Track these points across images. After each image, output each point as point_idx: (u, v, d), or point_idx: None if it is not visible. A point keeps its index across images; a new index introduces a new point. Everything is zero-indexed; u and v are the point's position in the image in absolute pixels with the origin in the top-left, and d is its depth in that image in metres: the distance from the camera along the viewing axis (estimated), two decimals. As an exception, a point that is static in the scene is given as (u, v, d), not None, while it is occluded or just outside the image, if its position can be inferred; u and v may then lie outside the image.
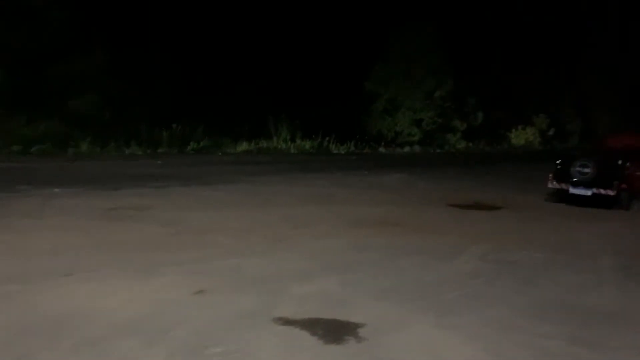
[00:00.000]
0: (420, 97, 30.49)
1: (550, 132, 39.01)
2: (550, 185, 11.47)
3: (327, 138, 26.11)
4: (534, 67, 35.36)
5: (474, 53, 32.44)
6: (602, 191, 10.77)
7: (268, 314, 4.25)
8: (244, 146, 22.82)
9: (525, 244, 7.37)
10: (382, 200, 10.83)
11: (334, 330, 3.99)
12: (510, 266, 6.12)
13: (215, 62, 23.58)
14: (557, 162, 11.49)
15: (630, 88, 41.83)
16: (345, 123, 27.39)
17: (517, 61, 34.55)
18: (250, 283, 5.07)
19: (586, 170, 10.96)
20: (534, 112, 37.16)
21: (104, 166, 15.80)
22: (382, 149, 27.92)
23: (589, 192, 10.91)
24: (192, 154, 20.49)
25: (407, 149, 29.52)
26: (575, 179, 11.06)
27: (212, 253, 6.09)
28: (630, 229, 9.08)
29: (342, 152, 25.36)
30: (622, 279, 5.76)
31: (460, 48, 31.16)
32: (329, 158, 21.74)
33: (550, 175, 11.52)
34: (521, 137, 36.81)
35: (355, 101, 28.70)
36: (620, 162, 10.96)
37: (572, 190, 11.12)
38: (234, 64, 24.19)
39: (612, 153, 11.72)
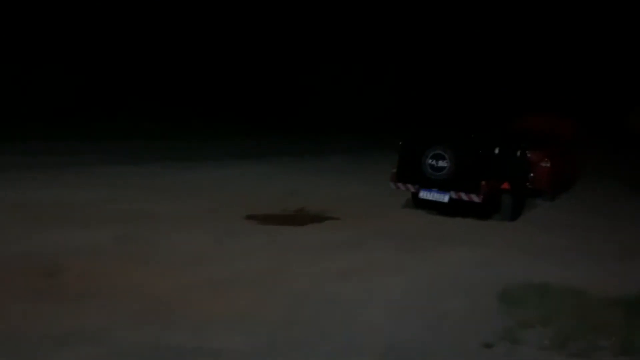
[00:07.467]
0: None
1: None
2: (392, 186, 7.50)
3: None
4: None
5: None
6: (464, 195, 6.90)
7: None
8: None
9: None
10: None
11: None
12: None
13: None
14: (400, 150, 7.43)
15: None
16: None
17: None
18: None
19: (441, 163, 7.01)
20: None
21: None
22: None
23: (445, 198, 7.02)
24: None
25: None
26: (426, 176, 7.11)
27: None
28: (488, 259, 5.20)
29: None
30: None
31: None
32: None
33: (393, 170, 7.50)
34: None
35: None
36: (497, 150, 7.11)
37: (423, 194, 7.20)
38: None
39: (487, 136, 7.93)
